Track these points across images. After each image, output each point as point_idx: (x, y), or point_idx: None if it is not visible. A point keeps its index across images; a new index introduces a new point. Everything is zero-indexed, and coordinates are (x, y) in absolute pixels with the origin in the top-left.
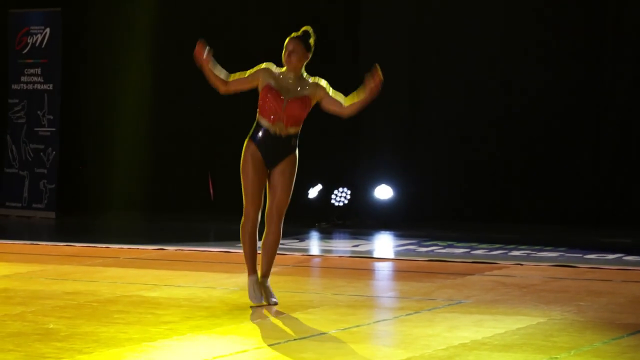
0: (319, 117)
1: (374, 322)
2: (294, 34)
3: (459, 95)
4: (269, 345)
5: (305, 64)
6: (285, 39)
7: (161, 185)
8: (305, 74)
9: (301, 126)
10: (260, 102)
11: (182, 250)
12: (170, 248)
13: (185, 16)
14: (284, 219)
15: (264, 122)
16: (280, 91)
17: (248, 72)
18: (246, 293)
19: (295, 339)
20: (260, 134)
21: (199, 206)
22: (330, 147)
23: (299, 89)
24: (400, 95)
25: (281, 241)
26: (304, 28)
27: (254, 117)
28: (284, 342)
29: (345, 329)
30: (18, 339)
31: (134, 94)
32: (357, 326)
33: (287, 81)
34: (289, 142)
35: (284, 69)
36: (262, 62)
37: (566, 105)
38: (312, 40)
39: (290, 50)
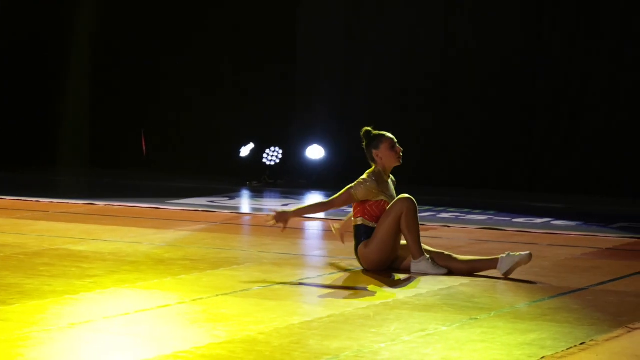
0: (251, 76)
1: (298, 280)
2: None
3: (393, 57)
4: (191, 300)
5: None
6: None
7: (96, 141)
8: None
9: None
10: None
11: (111, 205)
12: (100, 203)
13: None
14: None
15: None
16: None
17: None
18: (171, 248)
19: (217, 295)
20: None
21: (133, 163)
22: (263, 107)
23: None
24: (335, 56)
25: (211, 199)
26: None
27: (192, 78)
28: (206, 298)
29: (268, 286)
30: None
31: (73, 46)
32: (281, 284)
33: None
34: None
35: None
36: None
37: (499, 70)
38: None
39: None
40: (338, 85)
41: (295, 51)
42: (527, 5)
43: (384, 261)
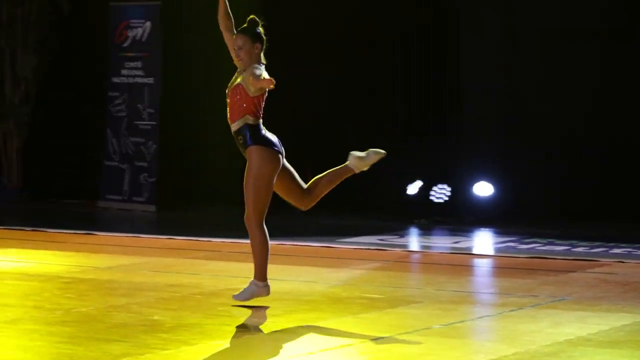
0: (417, 112)
1: (477, 318)
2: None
3: (557, 93)
4: (373, 340)
5: (259, 55)
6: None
7: None
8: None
9: (250, 119)
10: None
11: (283, 244)
12: (272, 242)
13: (288, 10)
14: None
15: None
16: (229, 88)
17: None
18: (348, 287)
19: (399, 334)
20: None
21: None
22: (431, 144)
23: (238, 79)
24: (500, 92)
25: (381, 237)
26: (249, 17)
27: (356, 116)
28: (389, 337)
29: (449, 324)
30: (124, 330)
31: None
32: (461, 321)
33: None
34: (238, 138)
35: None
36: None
37: None
38: (260, 29)
39: (238, 46)
40: (505, 121)
41: (460, 87)
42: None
43: None
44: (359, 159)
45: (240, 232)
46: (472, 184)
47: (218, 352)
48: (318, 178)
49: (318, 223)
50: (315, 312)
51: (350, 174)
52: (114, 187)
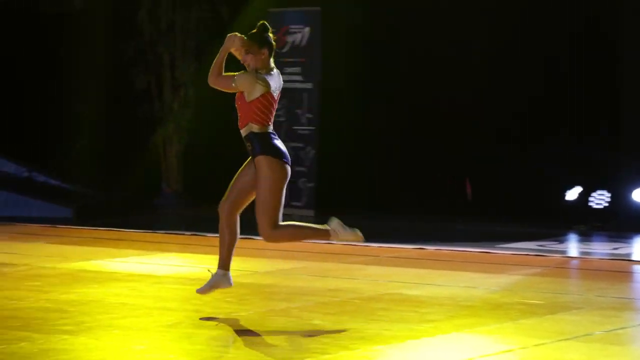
0: (579, 120)
1: (638, 325)
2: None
3: None
4: (534, 345)
5: (266, 61)
6: None
7: (417, 188)
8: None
9: (254, 127)
10: None
11: (440, 250)
12: (430, 248)
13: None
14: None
15: None
16: None
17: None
18: (507, 293)
19: (560, 340)
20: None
21: (453, 207)
22: (590, 150)
23: None
24: None
25: (540, 242)
26: (259, 23)
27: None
28: (549, 343)
29: (610, 330)
30: (284, 334)
31: (393, 90)
32: (622, 328)
33: None
34: (246, 145)
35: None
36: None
37: None
38: (270, 34)
39: (245, 50)
40: None
41: (620, 92)
42: None
43: None
44: (342, 228)
45: (398, 237)
46: (632, 190)
47: (378, 357)
48: (292, 224)
49: (477, 229)
50: (474, 317)
51: (324, 238)
52: None
